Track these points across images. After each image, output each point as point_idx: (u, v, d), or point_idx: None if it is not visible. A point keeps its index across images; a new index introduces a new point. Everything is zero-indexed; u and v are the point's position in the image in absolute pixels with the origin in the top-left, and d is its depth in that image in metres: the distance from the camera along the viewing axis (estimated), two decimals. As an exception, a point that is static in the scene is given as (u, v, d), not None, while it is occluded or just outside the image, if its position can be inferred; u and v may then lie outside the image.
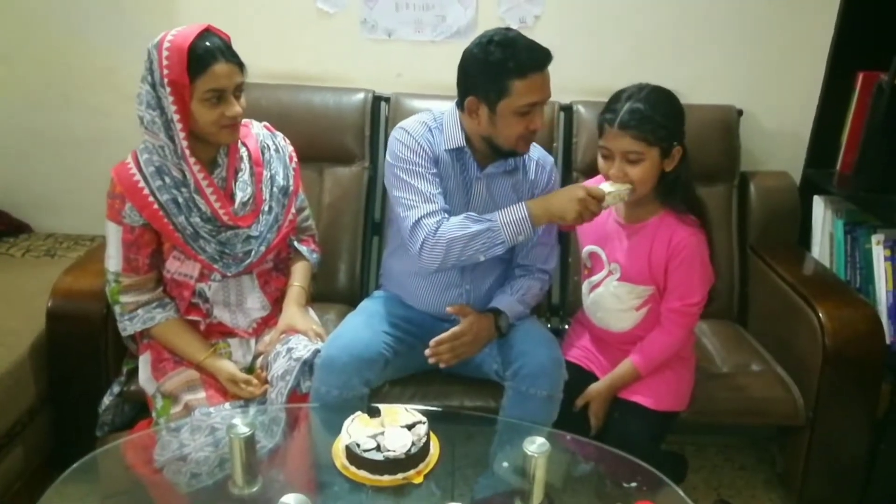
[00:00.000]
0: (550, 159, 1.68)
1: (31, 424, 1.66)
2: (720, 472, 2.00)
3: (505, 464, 1.36)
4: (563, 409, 1.53)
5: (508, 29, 1.50)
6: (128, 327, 1.54)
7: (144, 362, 1.57)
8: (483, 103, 1.47)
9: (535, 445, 1.21)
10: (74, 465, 1.25)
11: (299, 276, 1.69)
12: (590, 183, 1.57)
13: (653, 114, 1.41)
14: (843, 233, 1.99)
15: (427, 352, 1.53)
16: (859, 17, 2.03)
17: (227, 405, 1.47)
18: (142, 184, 1.46)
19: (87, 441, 1.59)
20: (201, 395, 1.48)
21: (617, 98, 1.47)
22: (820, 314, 1.68)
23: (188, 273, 1.53)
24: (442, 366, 1.54)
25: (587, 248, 1.62)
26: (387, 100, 2.10)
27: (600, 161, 1.50)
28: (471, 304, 1.63)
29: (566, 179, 2.10)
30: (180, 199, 1.46)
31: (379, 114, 2.09)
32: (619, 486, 1.33)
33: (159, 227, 1.47)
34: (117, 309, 1.54)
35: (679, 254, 1.50)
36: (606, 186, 1.45)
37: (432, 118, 1.61)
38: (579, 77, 2.17)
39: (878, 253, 1.86)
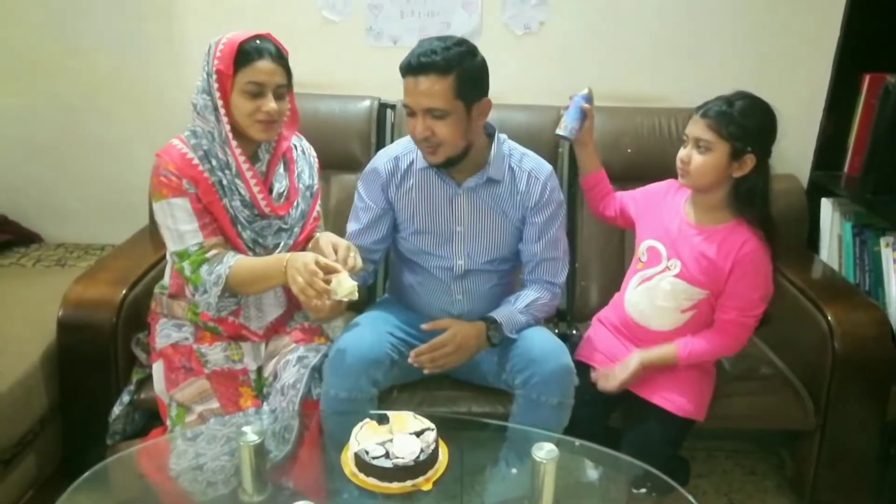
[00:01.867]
0: (547, 170, 1.63)
1: (42, 433, 1.67)
2: (730, 477, 1.99)
3: (514, 470, 1.36)
4: (574, 412, 1.53)
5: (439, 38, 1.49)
6: (211, 297, 1.48)
7: (157, 371, 1.58)
8: None
9: (544, 452, 1.21)
10: (86, 474, 1.26)
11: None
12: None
13: (733, 111, 1.46)
14: (852, 235, 1.98)
15: (409, 359, 1.54)
16: (865, 18, 2.03)
17: (240, 414, 1.48)
18: (195, 161, 1.49)
19: (99, 449, 1.59)
20: (214, 405, 1.49)
21: (717, 97, 1.51)
22: (829, 317, 1.67)
23: None
24: (426, 371, 1.55)
25: (647, 242, 1.62)
26: (392, 107, 2.11)
27: (681, 149, 1.54)
28: (463, 314, 1.65)
29: (573, 185, 2.10)
30: (224, 182, 1.50)
31: (385, 121, 2.10)
32: (628, 492, 1.33)
33: (210, 202, 1.50)
34: (196, 287, 1.49)
35: (745, 264, 1.51)
36: (342, 282, 1.37)
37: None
38: (584, 82, 2.14)
39: (888, 255, 1.85)
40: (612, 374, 1.56)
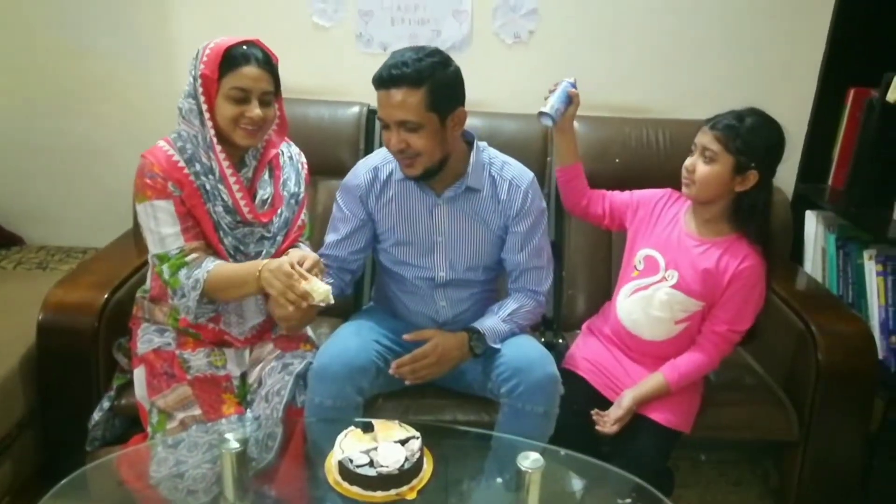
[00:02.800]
0: (529, 177, 1.61)
1: (20, 437, 1.64)
2: (714, 488, 1.99)
3: (499, 479, 1.36)
4: (561, 421, 1.53)
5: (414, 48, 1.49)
6: (190, 301, 1.46)
7: (139, 376, 1.56)
8: None
9: (530, 461, 1.20)
10: (64, 481, 1.24)
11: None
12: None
13: (741, 126, 1.48)
14: (836, 248, 2.00)
15: (390, 370, 1.53)
16: (850, 34, 2.06)
17: (223, 421, 1.46)
18: (181, 164, 1.48)
19: (78, 455, 1.57)
20: (196, 412, 1.47)
21: (729, 112, 1.53)
22: (813, 329, 1.69)
23: None
24: (407, 382, 1.54)
25: (644, 251, 1.62)
26: (381, 113, 2.10)
27: (687, 158, 1.56)
28: (448, 321, 1.65)
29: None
30: (208, 186, 1.49)
31: (373, 127, 2.10)
32: (613, 503, 1.32)
33: (193, 206, 1.48)
34: (175, 291, 1.47)
35: (743, 279, 1.52)
36: (316, 288, 1.38)
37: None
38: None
39: (871, 268, 1.87)
40: (608, 418, 1.55)
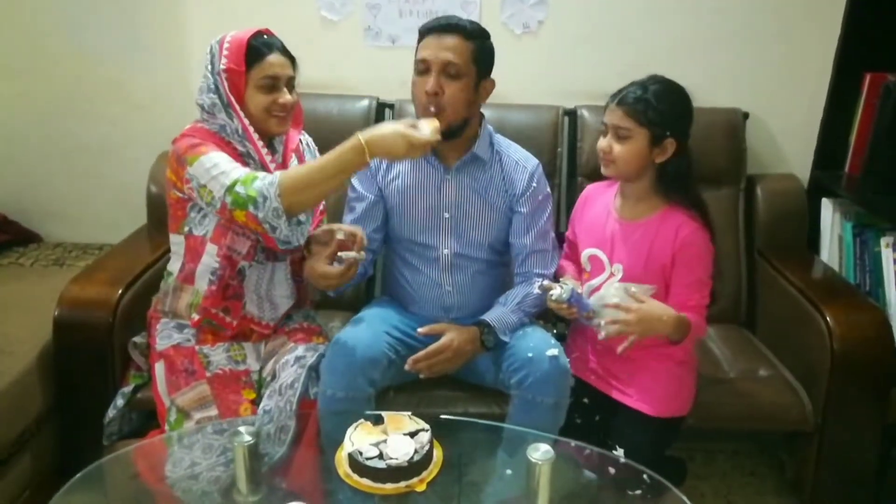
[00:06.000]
0: (535, 161, 1.67)
1: (38, 433, 1.67)
2: (729, 479, 1.98)
3: (509, 471, 1.36)
4: (570, 417, 1.52)
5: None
6: (273, 201, 1.39)
7: (160, 372, 1.56)
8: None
9: (540, 453, 1.20)
10: (79, 475, 1.25)
11: None
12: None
13: (650, 97, 1.45)
14: (852, 235, 1.97)
15: (406, 366, 1.54)
16: (865, 17, 2.02)
17: (239, 420, 1.47)
18: (227, 138, 1.50)
19: (96, 449, 1.59)
20: (213, 412, 1.48)
21: (630, 84, 1.50)
22: (828, 318, 1.66)
23: (239, 249, 1.53)
24: (422, 376, 1.56)
25: (587, 251, 1.61)
26: (391, 106, 2.11)
27: (599, 139, 1.53)
28: (454, 305, 1.67)
29: (571, 184, 2.09)
30: (252, 168, 1.50)
31: (383, 120, 2.10)
32: (623, 494, 1.32)
33: None
34: (255, 203, 1.39)
35: (685, 248, 1.49)
36: (424, 125, 1.42)
37: None
38: (583, 81, 2.16)
39: (888, 256, 1.84)
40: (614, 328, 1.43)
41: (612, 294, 1.47)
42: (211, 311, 1.55)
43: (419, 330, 1.60)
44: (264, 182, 1.41)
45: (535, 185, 1.64)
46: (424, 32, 1.55)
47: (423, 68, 1.53)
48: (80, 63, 2.20)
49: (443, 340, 1.55)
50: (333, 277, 1.46)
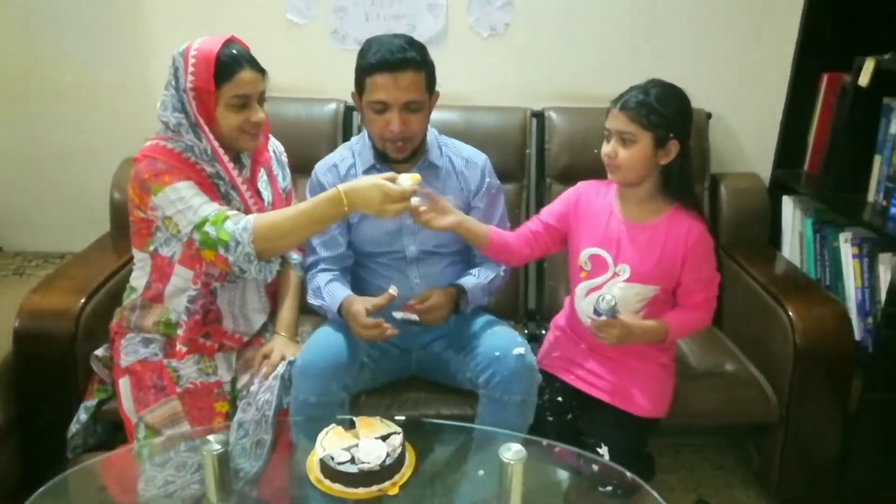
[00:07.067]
0: (482, 157, 1.70)
1: (0, 446, 1.62)
2: (698, 472, 2.01)
3: (481, 472, 1.36)
4: (542, 415, 1.54)
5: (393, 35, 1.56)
6: (246, 246, 1.37)
7: (124, 389, 1.52)
8: (359, 99, 1.58)
9: (512, 452, 1.21)
10: (43, 487, 1.22)
11: (290, 300, 1.68)
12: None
13: (652, 101, 1.46)
14: (812, 232, 2.02)
15: (398, 314, 1.53)
16: (823, 19, 2.07)
17: (211, 437, 1.44)
18: (193, 159, 1.45)
19: (60, 462, 1.55)
20: (185, 428, 1.45)
21: (630, 88, 1.51)
22: (790, 313, 1.70)
23: (212, 272, 1.50)
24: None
25: (587, 251, 1.59)
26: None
27: (603, 145, 1.53)
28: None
29: (540, 185, 2.11)
30: (221, 189, 1.47)
31: (351, 123, 2.10)
32: (595, 491, 1.33)
33: (211, 199, 1.43)
34: (227, 247, 1.38)
35: (697, 249, 1.52)
36: (404, 180, 1.40)
37: (350, 146, 1.68)
38: (550, 83, 2.18)
39: (846, 251, 1.89)
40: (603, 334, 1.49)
41: (614, 294, 1.49)
42: (197, 342, 1.53)
43: (395, 314, 1.54)
44: (237, 227, 1.38)
45: (487, 179, 1.68)
46: (372, 70, 1.49)
47: (380, 108, 1.51)
48: (38, 64, 2.14)
49: (437, 297, 1.54)
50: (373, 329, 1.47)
